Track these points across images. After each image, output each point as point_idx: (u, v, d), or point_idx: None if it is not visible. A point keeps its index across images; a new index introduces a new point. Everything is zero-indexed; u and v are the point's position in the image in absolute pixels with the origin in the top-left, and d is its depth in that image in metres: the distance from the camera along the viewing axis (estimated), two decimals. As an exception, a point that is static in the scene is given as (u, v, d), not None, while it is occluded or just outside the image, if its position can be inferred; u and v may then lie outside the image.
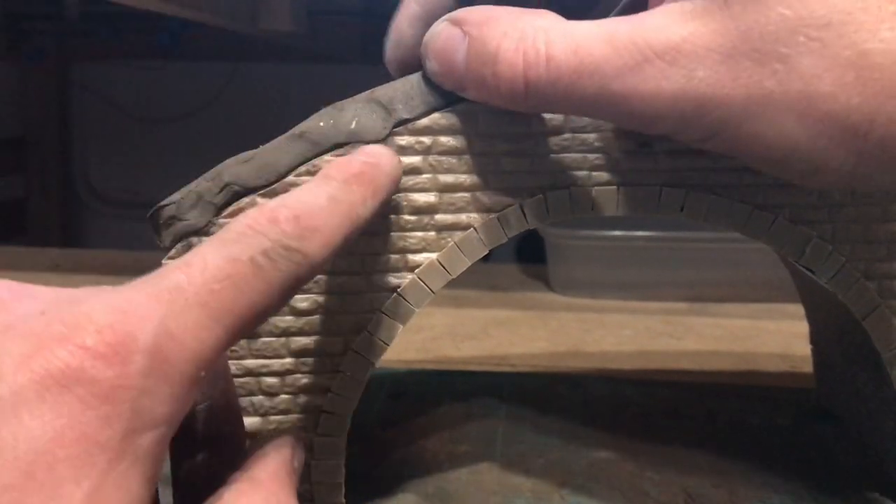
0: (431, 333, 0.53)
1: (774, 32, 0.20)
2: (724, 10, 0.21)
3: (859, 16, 0.20)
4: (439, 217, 0.27)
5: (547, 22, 0.23)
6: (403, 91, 0.27)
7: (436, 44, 0.25)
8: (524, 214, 0.28)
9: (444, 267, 0.28)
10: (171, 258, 0.27)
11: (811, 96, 0.20)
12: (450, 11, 0.27)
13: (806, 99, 0.20)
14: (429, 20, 0.27)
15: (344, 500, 0.29)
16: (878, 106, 0.20)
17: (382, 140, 0.27)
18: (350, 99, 0.28)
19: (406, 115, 0.27)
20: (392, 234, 0.27)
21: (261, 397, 0.28)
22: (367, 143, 0.27)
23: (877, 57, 0.20)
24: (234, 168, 0.27)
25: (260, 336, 0.27)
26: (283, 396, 0.28)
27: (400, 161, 0.26)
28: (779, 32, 0.20)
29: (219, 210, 0.27)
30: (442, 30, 0.25)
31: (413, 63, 0.28)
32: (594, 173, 0.28)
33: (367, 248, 0.27)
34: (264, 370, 0.28)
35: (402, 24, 0.28)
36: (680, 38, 0.21)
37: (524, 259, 0.78)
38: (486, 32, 0.23)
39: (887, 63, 0.20)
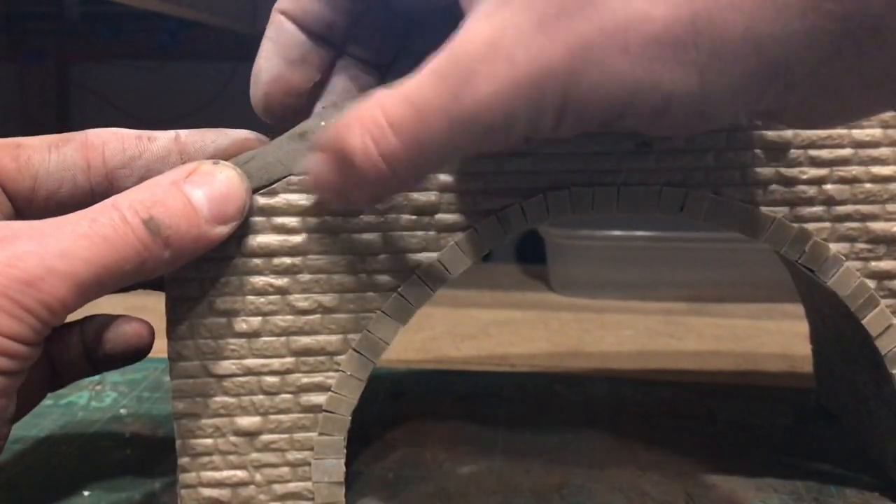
0: (431, 333, 0.53)
1: None
2: None
3: None
4: (439, 217, 0.27)
5: (378, 95, 0.22)
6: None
7: (311, 177, 0.25)
8: (524, 214, 0.28)
9: (444, 266, 0.28)
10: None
11: (626, 25, 0.19)
12: (301, 46, 0.27)
13: (622, 30, 0.19)
14: (284, 54, 0.27)
15: (344, 500, 0.29)
16: (695, 12, 0.19)
17: None
18: (351, 98, 0.28)
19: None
20: (392, 233, 0.27)
21: (261, 396, 0.28)
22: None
23: None
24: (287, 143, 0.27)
25: (260, 335, 0.28)
26: (284, 395, 0.28)
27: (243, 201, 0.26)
28: None
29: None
30: (308, 162, 0.25)
31: (275, 98, 0.27)
32: (594, 173, 0.28)
33: (367, 247, 0.27)
34: (265, 369, 0.28)
35: (259, 62, 0.28)
36: (489, 34, 0.21)
37: (524, 259, 0.78)
38: (336, 140, 0.23)
39: None
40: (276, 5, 0.27)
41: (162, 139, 0.28)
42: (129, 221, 0.23)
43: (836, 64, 0.20)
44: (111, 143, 0.28)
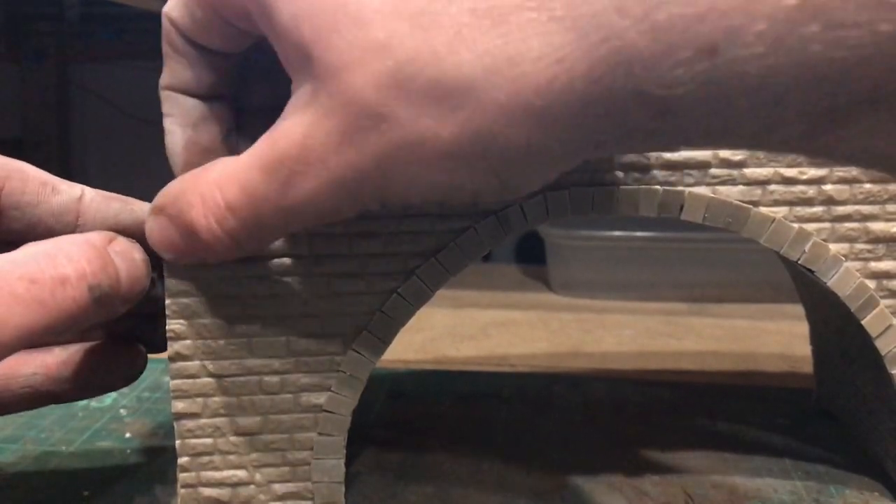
0: (431, 333, 0.53)
1: (360, 97, 0.20)
2: (319, 93, 0.20)
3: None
4: (439, 217, 0.27)
5: (216, 172, 0.23)
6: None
7: (153, 239, 0.25)
8: (524, 214, 0.28)
9: (444, 267, 0.28)
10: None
11: (420, 141, 0.20)
12: (196, 108, 0.27)
13: (417, 145, 0.20)
14: (184, 122, 0.27)
15: (344, 500, 0.29)
16: (477, 131, 0.19)
17: None
18: None
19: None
20: (392, 234, 0.27)
21: (261, 396, 0.28)
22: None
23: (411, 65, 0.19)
24: None
25: (260, 335, 0.28)
26: (284, 396, 0.28)
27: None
28: (361, 95, 0.20)
29: None
30: (150, 223, 0.25)
31: (195, 163, 0.27)
32: (594, 173, 0.28)
33: (367, 248, 0.27)
34: (265, 369, 0.28)
35: (168, 138, 0.28)
36: (302, 136, 0.21)
37: (524, 259, 0.78)
38: (179, 210, 0.24)
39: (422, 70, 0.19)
40: (160, 83, 0.28)
41: (65, 195, 0.27)
42: (74, 285, 0.23)
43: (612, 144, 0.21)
44: (14, 179, 0.27)
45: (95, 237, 0.24)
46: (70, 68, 1.36)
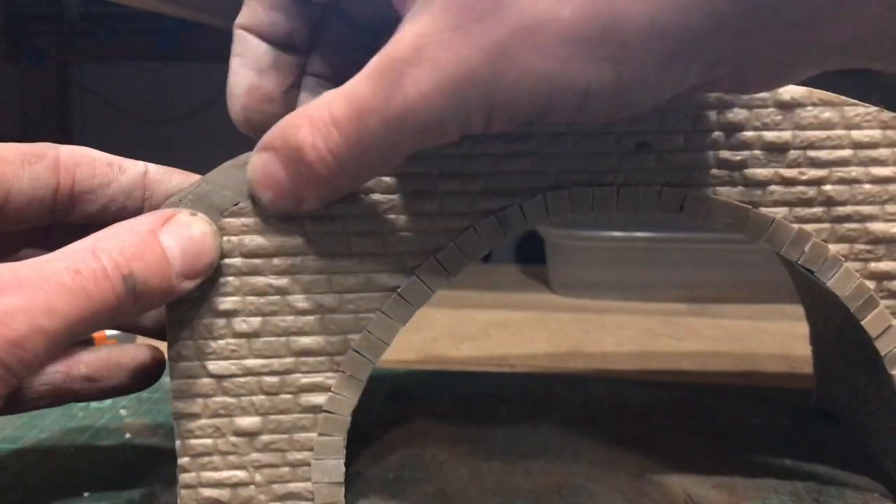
0: (431, 334, 0.53)
1: None
2: None
3: None
4: (439, 217, 0.27)
5: (328, 94, 0.23)
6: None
7: (256, 177, 0.25)
8: (524, 214, 0.28)
9: (444, 267, 0.28)
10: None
11: (536, 26, 0.20)
12: (266, 55, 0.27)
13: (533, 31, 0.20)
14: (252, 66, 0.27)
15: (344, 501, 0.29)
16: (600, 10, 0.19)
17: None
18: None
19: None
20: (392, 233, 0.27)
21: (261, 397, 0.28)
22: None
23: None
24: (232, 171, 0.27)
25: (260, 336, 0.28)
26: (284, 396, 0.28)
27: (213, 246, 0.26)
28: None
29: (220, 213, 0.27)
30: (255, 160, 0.25)
31: (252, 108, 0.28)
32: (594, 173, 0.28)
33: (367, 247, 0.27)
34: (265, 370, 0.28)
35: (231, 78, 0.28)
36: (415, 37, 0.21)
37: (524, 259, 0.79)
38: (287, 136, 0.24)
39: None
40: (236, 22, 0.27)
41: (131, 171, 0.28)
42: (110, 276, 0.23)
43: (753, 38, 0.20)
44: (83, 165, 0.27)
45: (144, 222, 0.25)
46: (70, 68, 1.36)
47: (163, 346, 0.29)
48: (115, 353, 0.30)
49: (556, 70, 0.20)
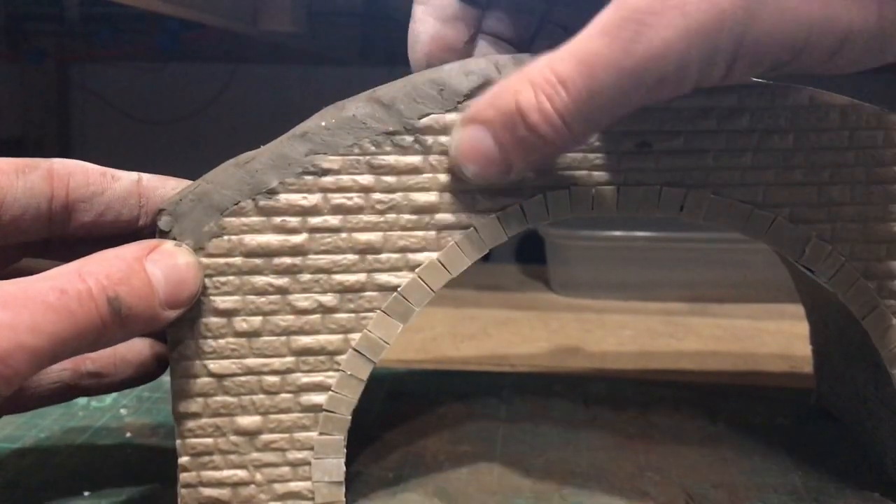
0: (431, 333, 0.53)
1: None
2: None
3: None
4: (439, 217, 0.28)
5: (545, 58, 0.23)
6: (405, 91, 0.27)
7: (462, 149, 0.25)
8: (524, 214, 0.28)
9: (444, 266, 0.28)
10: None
11: None
12: (451, 5, 0.28)
13: None
14: (438, 15, 0.28)
15: (344, 500, 0.29)
16: None
17: (389, 134, 0.27)
18: (351, 98, 0.28)
19: (407, 115, 0.27)
20: (392, 233, 0.27)
21: (261, 396, 0.28)
22: (371, 138, 0.27)
23: None
24: (233, 170, 0.27)
25: (261, 335, 0.28)
26: (284, 395, 0.28)
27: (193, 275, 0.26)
28: None
29: (221, 213, 0.27)
30: (460, 135, 0.25)
31: (435, 56, 0.29)
32: (594, 173, 0.28)
33: (367, 247, 0.27)
34: (265, 369, 0.28)
35: (416, 26, 0.29)
36: None
37: (524, 259, 0.78)
38: (501, 103, 0.24)
39: None
40: None
41: (125, 180, 0.28)
42: (96, 297, 0.23)
43: None
44: (76, 175, 0.27)
45: (130, 250, 0.25)
46: (70, 68, 1.36)
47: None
48: (120, 348, 0.30)
49: (817, 10, 0.20)
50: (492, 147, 0.25)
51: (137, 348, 0.31)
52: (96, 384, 0.30)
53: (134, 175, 0.29)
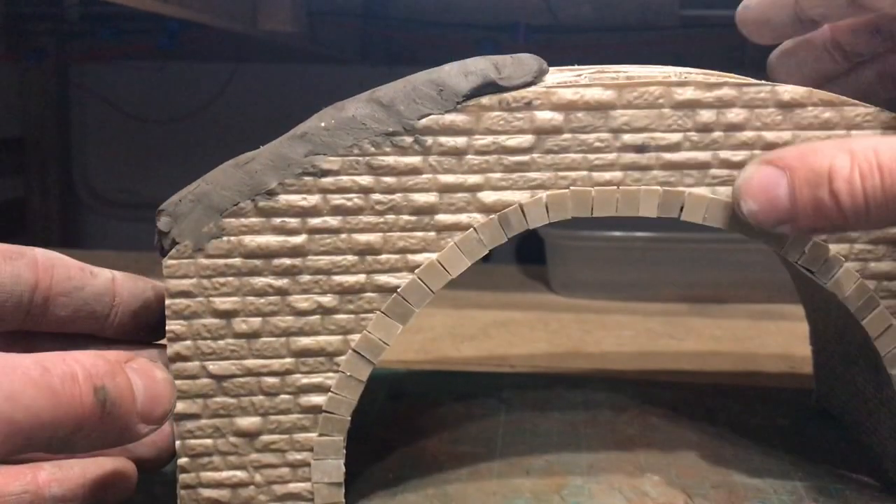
0: (431, 334, 0.53)
1: None
2: None
3: None
4: (439, 217, 0.28)
5: (871, 140, 0.24)
6: (404, 91, 0.27)
7: (751, 185, 0.26)
8: (524, 214, 0.28)
9: (444, 267, 0.28)
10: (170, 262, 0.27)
11: None
12: None
13: None
14: None
15: (344, 500, 0.29)
16: None
17: (388, 134, 0.27)
18: (351, 98, 0.28)
19: (407, 116, 0.27)
20: (392, 233, 0.27)
21: (261, 397, 0.28)
22: (370, 138, 0.27)
23: None
24: (232, 171, 0.27)
25: (260, 336, 0.28)
26: (284, 396, 0.28)
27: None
28: None
29: (220, 213, 0.27)
30: (754, 171, 0.26)
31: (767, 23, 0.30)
32: (594, 173, 0.28)
33: (366, 247, 0.27)
34: (264, 370, 0.28)
35: None
36: None
37: (524, 260, 0.78)
38: (813, 160, 0.24)
39: None
40: None
41: (102, 277, 0.28)
42: (81, 383, 0.22)
43: None
44: (59, 267, 0.27)
45: (110, 354, 0.24)
46: (70, 68, 1.36)
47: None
48: (90, 467, 0.26)
49: None
50: (784, 195, 0.25)
51: (109, 466, 0.27)
52: None
53: (108, 273, 0.29)
